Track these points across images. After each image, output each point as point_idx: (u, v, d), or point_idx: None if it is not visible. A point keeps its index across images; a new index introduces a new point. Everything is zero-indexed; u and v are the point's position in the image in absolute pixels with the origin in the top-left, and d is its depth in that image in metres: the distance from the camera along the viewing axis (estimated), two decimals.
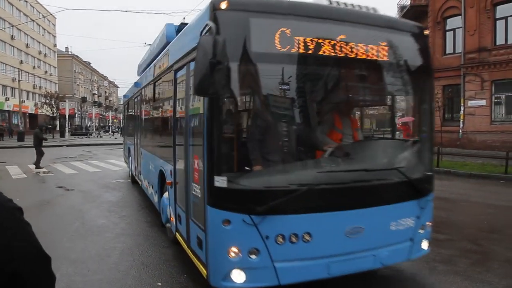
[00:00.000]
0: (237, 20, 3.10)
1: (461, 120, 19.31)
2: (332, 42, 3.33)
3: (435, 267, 4.54)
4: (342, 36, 3.37)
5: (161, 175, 5.67)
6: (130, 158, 11.06)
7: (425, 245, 3.92)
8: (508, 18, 17.86)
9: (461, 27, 19.33)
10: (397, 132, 6.70)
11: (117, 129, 60.75)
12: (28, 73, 53.09)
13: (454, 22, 19.89)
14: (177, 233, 4.62)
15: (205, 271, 3.38)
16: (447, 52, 20.32)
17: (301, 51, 3.22)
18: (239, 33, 3.08)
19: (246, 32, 3.07)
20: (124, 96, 13.54)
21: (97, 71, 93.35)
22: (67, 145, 29.11)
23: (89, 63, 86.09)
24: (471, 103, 18.98)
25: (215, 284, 3.24)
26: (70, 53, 74.02)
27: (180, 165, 4.33)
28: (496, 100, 18.69)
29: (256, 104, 3.67)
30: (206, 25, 3.02)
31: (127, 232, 6.13)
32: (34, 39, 56.99)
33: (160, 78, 5.94)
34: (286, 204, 3.12)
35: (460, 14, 19.28)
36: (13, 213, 1.06)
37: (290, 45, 3.17)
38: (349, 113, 4.35)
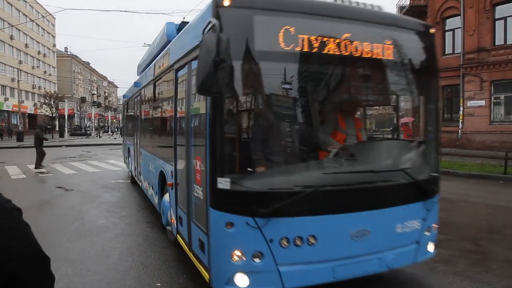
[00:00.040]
0: (240, 17, 3.03)
1: (460, 121, 19.33)
2: (338, 41, 3.26)
3: (434, 268, 4.54)
4: (348, 35, 3.31)
5: (162, 176, 5.60)
6: (129, 159, 10.98)
7: (431, 247, 3.86)
8: (507, 18, 17.89)
9: (460, 28, 19.36)
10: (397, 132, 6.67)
11: (116, 129, 60.72)
12: (27, 73, 53.06)
13: (453, 23, 19.92)
14: (178, 235, 4.56)
15: (207, 275, 3.31)
16: (446, 53, 20.34)
17: (307, 49, 3.16)
18: (242, 31, 3.01)
19: (250, 30, 3.01)
20: (124, 96, 13.51)
21: (96, 71, 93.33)
22: (66, 145, 29.09)
23: (89, 63, 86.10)
24: (470, 103, 19.00)
25: None
26: (69, 53, 74.02)
27: (181, 166, 4.27)
28: (495, 101, 18.72)
29: (260, 103, 3.60)
30: (209, 22, 2.95)
31: (126, 233, 6.13)
32: (33, 39, 56.97)
33: (161, 78, 5.86)
34: (291, 206, 3.05)
35: (459, 15, 19.31)
36: (12, 213, 1.06)
37: (295, 43, 3.11)
38: (353, 113, 4.28)
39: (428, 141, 4.09)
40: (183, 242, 4.31)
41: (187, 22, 4.95)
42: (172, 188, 4.74)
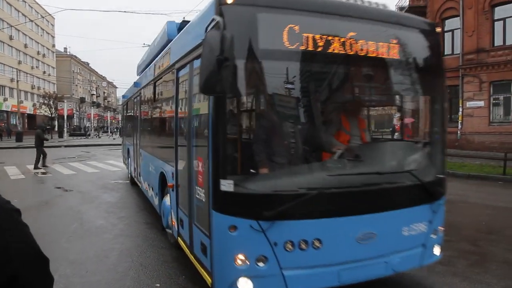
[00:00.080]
0: (244, 15, 2.95)
1: (460, 121, 19.37)
2: (344, 40, 3.20)
3: (433, 268, 4.54)
4: (353, 33, 3.23)
5: (162, 177, 5.52)
6: (129, 160, 10.92)
7: (437, 250, 3.80)
8: (506, 19, 17.94)
9: (459, 28, 19.40)
10: (396, 133, 6.66)
11: (115, 130, 60.70)
12: (27, 73, 53.03)
13: (453, 23, 19.96)
14: (179, 238, 4.48)
15: (209, 279, 3.24)
16: (445, 53, 20.33)
17: (312, 48, 3.09)
18: (246, 29, 2.93)
19: (254, 28, 2.93)
20: (123, 96, 13.47)
21: (95, 71, 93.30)
22: (66, 146, 29.07)
23: (88, 64, 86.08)
24: (469, 104, 19.04)
25: None
26: (68, 53, 74.00)
27: (182, 167, 4.20)
28: (494, 101, 18.76)
29: (264, 103, 3.50)
30: (213, 20, 2.86)
31: (125, 233, 6.12)
32: (32, 39, 56.96)
33: (161, 78, 5.78)
34: (296, 209, 2.98)
35: (458, 15, 19.35)
36: (11, 214, 1.06)
37: (300, 42, 3.04)
38: (357, 114, 4.21)
39: (434, 142, 4.02)
40: (184, 245, 4.24)
41: (188, 21, 4.86)
42: (173, 190, 4.67)
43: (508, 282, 4.26)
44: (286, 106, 3.48)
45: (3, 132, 40.35)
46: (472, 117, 18.93)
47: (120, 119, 44.60)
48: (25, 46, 54.12)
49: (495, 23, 18.39)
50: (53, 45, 67.29)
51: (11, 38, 49.74)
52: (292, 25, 3.00)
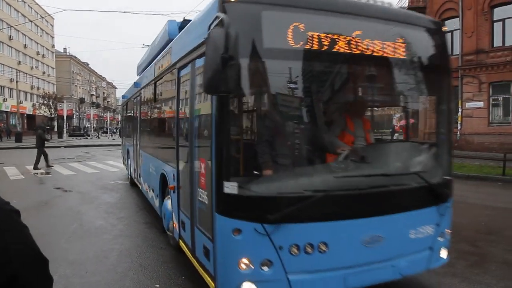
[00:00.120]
0: (248, 13, 2.87)
1: (459, 122, 19.37)
2: (354, 39, 3.13)
3: (433, 269, 4.54)
4: (359, 32, 3.15)
5: (163, 178, 5.43)
6: (129, 160, 10.86)
7: (444, 253, 3.73)
8: (506, 20, 17.96)
9: (458, 29, 19.41)
10: (396, 134, 6.65)
11: (115, 130, 60.69)
12: (26, 73, 53.02)
13: (452, 24, 19.95)
14: (180, 241, 4.41)
15: (212, 284, 3.16)
16: None
17: (318, 47, 3.01)
18: (250, 26, 2.85)
19: (258, 26, 2.85)
20: (123, 96, 13.43)
21: (95, 72, 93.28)
22: (65, 146, 29.07)
23: (87, 64, 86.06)
24: (468, 105, 19.06)
25: None
26: (68, 53, 73.96)
27: (184, 168, 4.13)
28: (493, 102, 18.78)
29: (270, 103, 3.38)
30: (216, 17, 2.77)
31: (125, 234, 6.12)
32: (32, 39, 56.93)
33: (162, 77, 5.71)
34: (301, 212, 2.90)
35: (458, 16, 19.37)
36: (11, 215, 1.06)
37: (306, 41, 2.97)
38: (361, 114, 4.12)
39: (440, 143, 3.94)
40: (185, 248, 4.16)
41: (190, 20, 4.78)
42: (174, 192, 4.58)
43: (507, 282, 4.27)
44: (292, 106, 3.41)
45: (3, 132, 40.34)
46: (472, 117, 18.95)
47: (119, 119, 44.59)
48: (25, 46, 54.10)
49: (495, 24, 18.42)
50: (53, 46, 67.27)
51: (10, 38, 49.73)
52: (298, 24, 2.94)
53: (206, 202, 3.27)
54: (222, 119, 2.89)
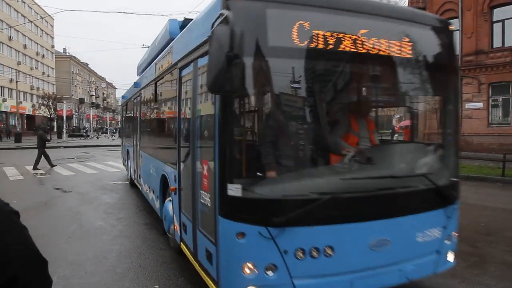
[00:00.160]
0: (252, 10, 2.79)
1: None
2: (362, 38, 3.06)
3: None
4: (366, 31, 3.08)
5: (164, 179, 5.35)
6: (128, 161, 10.80)
7: (450, 257, 3.65)
8: (505, 21, 17.98)
9: (458, 30, 19.42)
10: (396, 135, 6.63)
11: (114, 131, 60.70)
12: (26, 74, 53.03)
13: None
14: (181, 243, 4.33)
15: None
16: None
17: (326, 46, 2.93)
18: (254, 24, 2.77)
19: (263, 23, 2.77)
20: (123, 97, 13.41)
21: (95, 72, 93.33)
22: (65, 147, 29.06)
23: (87, 64, 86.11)
24: (468, 105, 19.06)
25: None
26: (67, 54, 74.01)
27: (186, 170, 4.05)
28: (493, 103, 18.81)
29: (276, 103, 3.27)
30: (220, 14, 2.69)
31: (124, 234, 6.11)
32: (31, 40, 56.96)
33: (163, 77, 5.63)
34: (307, 215, 2.82)
35: (457, 17, 19.38)
36: (10, 217, 1.06)
37: (313, 40, 2.89)
38: (366, 114, 4.04)
39: (447, 144, 3.87)
40: (187, 251, 4.08)
41: (191, 19, 4.71)
42: (175, 193, 4.51)
43: (506, 283, 4.27)
44: (297, 107, 3.32)
45: (2, 133, 40.38)
46: (471, 118, 18.95)
47: (119, 120, 44.52)
48: (24, 46, 54.11)
49: (494, 24, 18.45)
50: (52, 46, 67.28)
51: (10, 38, 49.74)
52: (303, 22, 2.87)
53: (209, 204, 3.19)
54: (226, 119, 2.82)
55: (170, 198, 4.93)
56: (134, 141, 9.25)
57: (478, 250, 5.41)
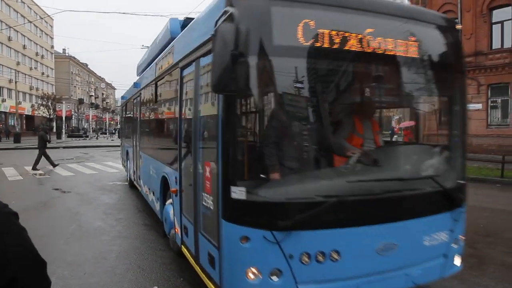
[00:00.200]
0: (257, 8, 2.72)
1: None
2: (369, 37, 2.98)
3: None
4: (373, 30, 3.01)
5: (164, 181, 5.27)
6: (128, 162, 10.75)
7: (457, 261, 3.58)
8: (504, 22, 18.03)
9: None
10: (395, 136, 6.61)
11: (114, 131, 60.65)
12: (25, 74, 53.02)
13: None
14: (182, 246, 4.26)
15: None
16: None
17: (333, 45, 2.86)
18: (260, 22, 2.69)
19: (268, 21, 2.69)
20: (122, 97, 13.37)
21: (94, 72, 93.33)
22: (64, 147, 29.02)
23: (86, 65, 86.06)
24: (467, 106, 19.08)
25: None
26: (67, 54, 73.98)
27: (187, 171, 3.98)
28: (492, 104, 18.86)
29: (282, 104, 3.16)
30: (225, 12, 2.62)
31: (123, 235, 6.11)
32: (31, 40, 56.95)
33: (163, 77, 5.58)
34: (313, 218, 2.75)
35: (456, 18, 19.41)
36: (9, 218, 1.07)
37: (317, 38, 2.82)
38: (370, 115, 3.97)
39: (454, 146, 3.79)
40: (188, 254, 4.01)
41: (192, 18, 4.66)
42: (176, 195, 4.44)
43: (506, 284, 4.28)
44: (305, 107, 3.24)
45: (2, 133, 40.32)
46: (470, 119, 18.96)
47: (118, 120, 44.46)
48: (24, 47, 54.09)
49: (493, 26, 18.51)
50: (52, 46, 67.25)
51: (9, 39, 49.72)
52: (309, 20, 2.80)
53: (212, 207, 3.12)
54: (229, 120, 2.75)
55: (171, 200, 4.87)
56: (134, 142, 9.21)
57: (477, 251, 5.41)
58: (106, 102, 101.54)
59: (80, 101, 73.30)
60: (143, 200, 8.19)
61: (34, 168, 14.16)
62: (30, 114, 52.57)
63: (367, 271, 3.00)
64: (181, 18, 5.63)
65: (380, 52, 3.07)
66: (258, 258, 2.74)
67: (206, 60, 3.36)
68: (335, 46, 2.89)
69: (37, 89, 56.29)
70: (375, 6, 3.14)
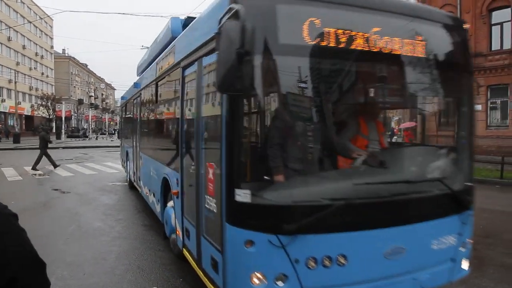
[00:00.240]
0: (262, 5, 2.65)
1: None
2: (377, 36, 2.93)
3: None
4: (378, 29, 2.95)
5: (165, 182, 5.18)
6: (128, 163, 10.70)
7: (465, 265, 3.52)
8: (503, 23, 18.06)
9: None
10: (395, 137, 6.60)
11: (113, 132, 60.63)
12: (25, 74, 53.01)
13: None
14: (184, 249, 4.17)
15: None
16: None
17: (341, 45, 2.80)
18: (266, 20, 2.62)
19: (273, 20, 2.63)
20: (122, 97, 13.34)
21: (94, 73, 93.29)
22: (63, 147, 29.00)
23: (86, 65, 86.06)
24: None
25: None
26: (67, 54, 73.99)
27: (189, 173, 3.90)
28: (491, 105, 18.86)
29: (288, 104, 3.05)
30: (230, 9, 2.54)
31: (123, 236, 6.10)
32: (31, 40, 56.95)
33: (164, 77, 5.50)
34: (320, 222, 2.68)
35: None
36: (9, 219, 1.07)
37: (323, 37, 2.75)
38: (375, 116, 3.89)
39: (461, 148, 3.71)
40: (190, 257, 3.92)
41: (194, 17, 4.60)
42: (177, 197, 4.36)
43: (505, 285, 4.28)
44: (312, 108, 3.14)
45: (1, 133, 40.30)
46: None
47: (118, 121, 44.39)
48: (23, 47, 54.08)
49: (493, 27, 18.53)
50: (52, 47, 67.26)
51: (9, 39, 49.72)
52: (314, 19, 2.72)
53: (215, 210, 3.05)
54: (234, 121, 2.67)
55: (172, 202, 4.80)
56: (134, 143, 9.15)
57: (476, 252, 5.40)
58: (106, 103, 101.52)
59: (80, 102, 73.29)
60: (142, 201, 8.18)
61: (33, 168, 14.15)
62: (29, 114, 52.58)
63: (375, 276, 2.93)
64: (183, 17, 5.62)
65: (386, 51, 3.00)
66: (263, 263, 2.69)
67: (209, 59, 3.31)
68: (342, 45, 2.83)
69: (36, 89, 56.30)
70: (381, 4, 3.09)
